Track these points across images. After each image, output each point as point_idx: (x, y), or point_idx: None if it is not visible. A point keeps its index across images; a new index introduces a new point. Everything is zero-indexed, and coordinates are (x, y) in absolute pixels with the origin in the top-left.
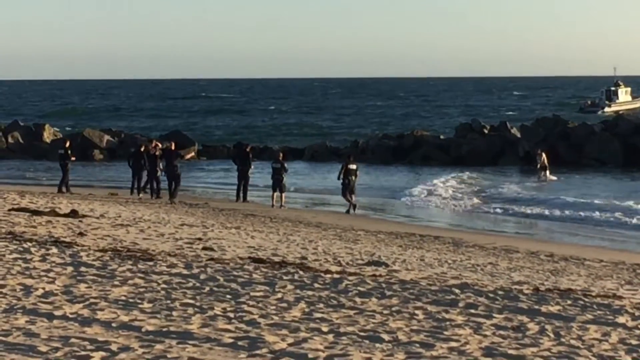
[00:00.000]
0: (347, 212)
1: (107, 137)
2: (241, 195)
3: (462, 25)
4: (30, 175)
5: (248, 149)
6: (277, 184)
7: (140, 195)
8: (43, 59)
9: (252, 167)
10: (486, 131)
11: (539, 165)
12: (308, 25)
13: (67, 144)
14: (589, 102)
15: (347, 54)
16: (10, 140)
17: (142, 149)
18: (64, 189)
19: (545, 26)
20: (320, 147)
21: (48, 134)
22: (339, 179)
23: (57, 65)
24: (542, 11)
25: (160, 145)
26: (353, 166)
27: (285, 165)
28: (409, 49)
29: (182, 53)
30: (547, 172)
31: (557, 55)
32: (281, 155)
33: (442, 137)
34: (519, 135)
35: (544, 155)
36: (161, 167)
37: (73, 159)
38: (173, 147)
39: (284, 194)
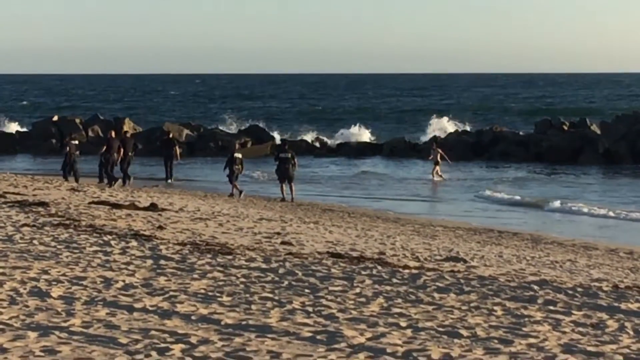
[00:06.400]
0: (231, 195)
1: (186, 131)
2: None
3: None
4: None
5: (170, 137)
6: (285, 174)
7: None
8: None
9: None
10: (566, 128)
11: (431, 159)
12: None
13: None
14: None
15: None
16: (90, 133)
17: (113, 135)
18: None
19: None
20: (399, 142)
21: (128, 128)
22: (225, 169)
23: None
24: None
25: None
26: (239, 155)
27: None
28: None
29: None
30: (437, 168)
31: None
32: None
33: (521, 133)
34: (598, 132)
35: (438, 150)
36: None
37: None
38: (113, 135)
39: (292, 184)
